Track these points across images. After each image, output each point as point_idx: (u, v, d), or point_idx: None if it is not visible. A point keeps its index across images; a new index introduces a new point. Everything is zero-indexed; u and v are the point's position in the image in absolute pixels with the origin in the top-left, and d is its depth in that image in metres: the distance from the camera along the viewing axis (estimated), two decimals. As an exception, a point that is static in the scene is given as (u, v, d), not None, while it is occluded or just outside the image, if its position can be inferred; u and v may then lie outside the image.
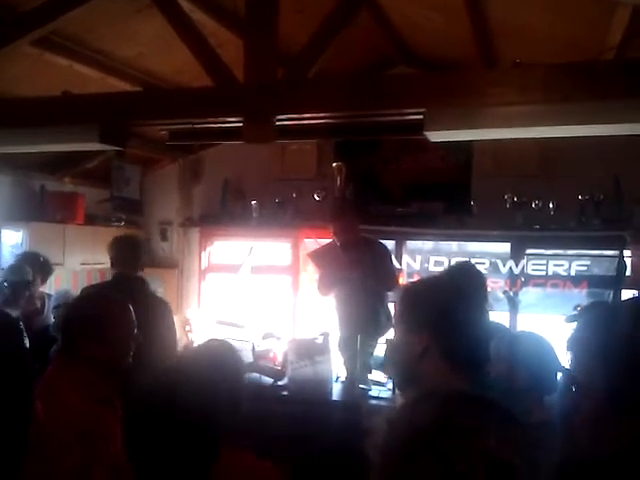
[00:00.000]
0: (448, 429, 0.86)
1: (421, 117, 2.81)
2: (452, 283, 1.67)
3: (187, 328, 5.65)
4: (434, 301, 1.57)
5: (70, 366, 2.16)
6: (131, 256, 3.75)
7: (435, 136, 2.92)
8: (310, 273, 5.73)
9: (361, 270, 4.24)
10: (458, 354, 1.50)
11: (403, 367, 1.61)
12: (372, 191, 5.68)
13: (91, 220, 5.81)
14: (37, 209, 5.39)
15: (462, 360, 1.50)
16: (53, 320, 4.36)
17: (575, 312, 3.58)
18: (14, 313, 3.43)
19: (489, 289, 5.18)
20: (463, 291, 1.60)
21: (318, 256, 4.71)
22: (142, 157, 6.20)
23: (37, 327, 4.17)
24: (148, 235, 6.49)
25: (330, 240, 4.59)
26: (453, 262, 5.20)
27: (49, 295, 4.53)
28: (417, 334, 1.55)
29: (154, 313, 3.43)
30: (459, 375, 1.48)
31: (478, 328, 1.54)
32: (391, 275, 4.53)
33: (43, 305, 4.34)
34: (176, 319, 5.07)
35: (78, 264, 5.55)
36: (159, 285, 5.70)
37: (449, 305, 1.54)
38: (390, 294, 4.66)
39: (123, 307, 2.27)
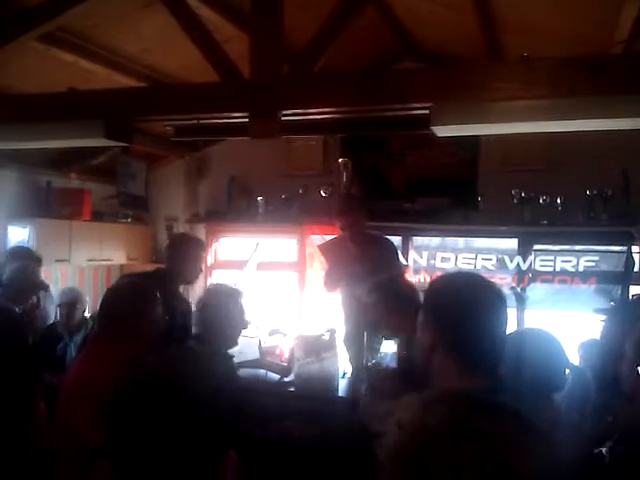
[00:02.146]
0: (462, 436, 0.84)
1: (427, 112, 2.80)
2: (465, 284, 1.65)
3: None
4: (443, 297, 1.57)
5: (107, 350, 2.19)
6: (169, 252, 3.77)
7: (442, 131, 2.91)
8: (316, 269, 5.72)
9: (368, 265, 4.23)
10: (462, 353, 1.49)
11: (418, 360, 1.62)
12: (378, 187, 5.66)
13: (97, 216, 5.81)
14: (43, 205, 5.39)
15: (467, 359, 1.48)
16: (59, 318, 4.38)
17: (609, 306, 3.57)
18: (17, 309, 3.44)
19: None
20: (476, 291, 1.58)
21: (328, 249, 4.70)
22: (148, 153, 6.20)
23: (39, 322, 4.19)
24: (154, 231, 6.50)
25: (340, 234, 4.58)
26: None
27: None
28: (427, 328, 1.56)
29: None
30: (465, 375, 1.46)
31: (487, 330, 1.52)
32: (397, 271, 4.52)
33: (39, 299, 4.34)
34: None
35: (84, 260, 5.56)
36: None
37: (457, 302, 1.52)
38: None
39: (155, 295, 2.44)
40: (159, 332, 2.42)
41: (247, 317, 3.09)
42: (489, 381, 1.47)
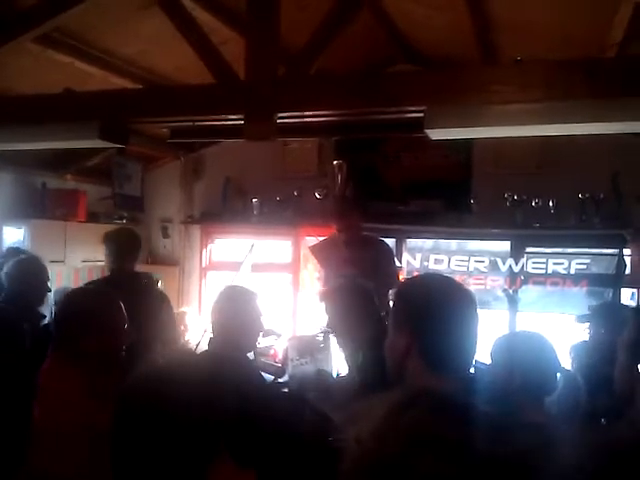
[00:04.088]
0: (429, 442, 0.81)
1: (422, 115, 2.82)
2: (439, 284, 1.63)
3: (182, 327, 5.63)
4: (417, 299, 1.54)
5: (65, 362, 2.16)
6: (126, 250, 3.79)
7: (436, 134, 2.93)
8: (310, 271, 5.74)
9: (362, 268, 4.25)
10: (435, 355, 1.47)
11: (389, 365, 1.59)
12: (372, 189, 5.68)
13: (93, 217, 5.82)
14: (38, 206, 5.40)
15: (439, 362, 1.46)
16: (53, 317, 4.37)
17: (587, 312, 3.59)
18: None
19: (488, 287, 5.22)
20: (449, 293, 1.56)
21: (319, 250, 4.71)
22: (143, 154, 6.21)
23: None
24: (149, 232, 6.51)
25: (331, 235, 4.60)
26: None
27: None
28: (400, 331, 1.53)
29: (151, 307, 3.46)
30: (437, 377, 1.45)
31: (460, 332, 1.49)
32: (392, 274, 4.53)
33: None
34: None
35: (79, 261, 5.56)
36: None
37: (431, 304, 1.50)
38: (391, 293, 4.66)
39: (113, 300, 2.30)
40: (122, 342, 2.27)
41: (263, 320, 2.92)
42: (462, 382, 1.46)
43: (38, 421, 2.03)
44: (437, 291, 1.53)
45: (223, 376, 1.47)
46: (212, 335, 2.85)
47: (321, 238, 5.21)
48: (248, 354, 2.95)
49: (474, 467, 0.79)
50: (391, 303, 1.67)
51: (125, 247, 3.84)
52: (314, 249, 4.82)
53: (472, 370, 1.61)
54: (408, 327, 1.51)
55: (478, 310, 1.53)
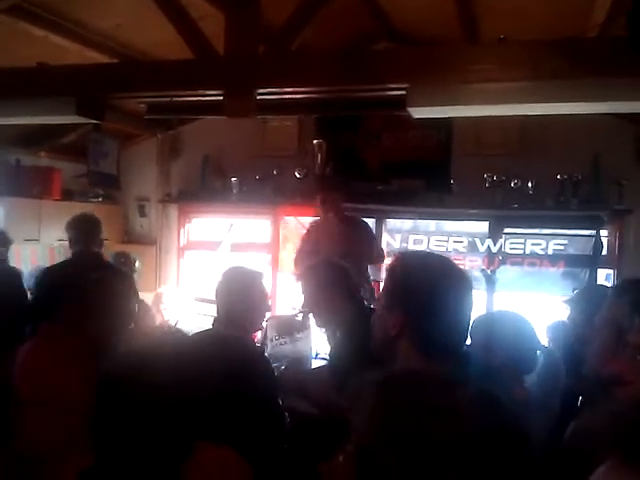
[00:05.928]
0: (423, 419, 0.82)
1: (404, 93, 2.80)
2: (434, 263, 1.60)
3: (162, 306, 5.59)
4: (411, 278, 1.49)
5: (56, 339, 2.13)
6: (88, 234, 3.87)
7: (418, 112, 2.91)
8: (289, 251, 5.72)
9: (343, 247, 4.25)
10: (429, 335, 1.44)
11: (378, 344, 1.57)
12: (352, 168, 5.65)
13: (68, 195, 5.73)
14: (13, 184, 5.29)
15: (432, 342, 1.44)
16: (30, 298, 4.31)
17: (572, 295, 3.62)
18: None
19: (466, 268, 5.25)
20: (445, 273, 1.53)
21: (315, 229, 4.71)
22: (120, 131, 6.10)
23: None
24: (126, 211, 6.43)
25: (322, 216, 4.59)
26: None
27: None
28: (392, 310, 1.49)
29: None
30: (430, 357, 1.42)
31: (455, 312, 1.46)
32: (372, 254, 4.55)
33: None
34: (151, 296, 5.05)
35: (55, 240, 5.46)
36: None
37: (427, 284, 1.46)
38: (371, 272, 4.68)
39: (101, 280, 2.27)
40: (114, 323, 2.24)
41: (268, 299, 2.95)
42: (455, 363, 1.43)
43: (24, 403, 2.00)
44: (433, 270, 1.50)
45: (217, 358, 1.45)
46: (216, 315, 2.81)
47: (300, 219, 5.19)
48: (253, 334, 2.93)
49: (474, 434, 0.79)
50: (383, 281, 1.64)
51: (86, 231, 3.93)
52: (312, 226, 4.80)
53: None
54: (401, 306, 1.47)
55: (473, 291, 1.51)
